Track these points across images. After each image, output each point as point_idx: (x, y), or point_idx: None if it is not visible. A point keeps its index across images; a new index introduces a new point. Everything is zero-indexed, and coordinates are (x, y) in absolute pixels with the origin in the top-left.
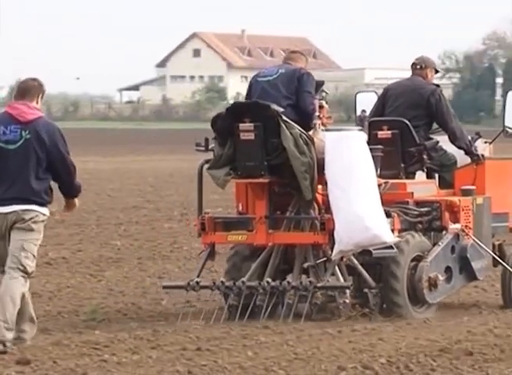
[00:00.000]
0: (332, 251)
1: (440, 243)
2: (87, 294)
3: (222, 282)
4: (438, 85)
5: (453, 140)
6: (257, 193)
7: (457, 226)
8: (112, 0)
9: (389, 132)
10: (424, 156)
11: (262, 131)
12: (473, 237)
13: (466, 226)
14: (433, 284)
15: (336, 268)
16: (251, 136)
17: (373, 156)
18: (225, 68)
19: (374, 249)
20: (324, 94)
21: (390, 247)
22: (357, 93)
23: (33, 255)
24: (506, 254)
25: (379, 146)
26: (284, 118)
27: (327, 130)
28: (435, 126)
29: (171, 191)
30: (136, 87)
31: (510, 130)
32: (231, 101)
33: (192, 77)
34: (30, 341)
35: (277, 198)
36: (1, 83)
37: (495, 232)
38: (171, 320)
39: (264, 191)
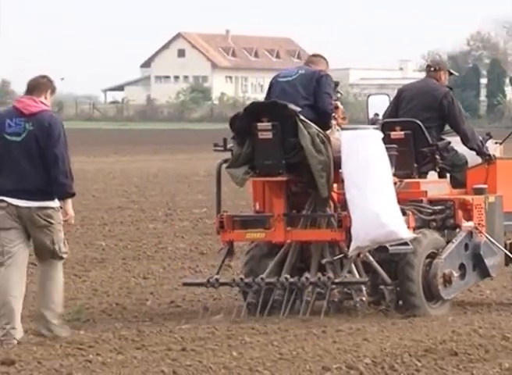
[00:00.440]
0: (348, 248)
1: (454, 240)
2: (71, 294)
3: (241, 279)
4: (451, 88)
5: (465, 141)
6: (275, 191)
7: (470, 224)
8: (97, 1)
9: (402, 132)
10: (437, 156)
11: (280, 130)
12: (486, 235)
13: (479, 223)
14: (448, 281)
15: (353, 265)
16: (269, 135)
17: (388, 155)
18: (210, 68)
19: (390, 245)
20: (339, 95)
21: (406, 243)
22: (368, 96)
23: (64, 241)
24: None
25: (394, 145)
26: (301, 117)
27: (343, 129)
28: (447, 127)
29: (155, 191)
30: (120, 88)
31: None
32: (215, 102)
33: (176, 77)
34: (18, 339)
35: (293, 197)
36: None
37: (506, 230)
38: (156, 320)
39: (282, 189)
